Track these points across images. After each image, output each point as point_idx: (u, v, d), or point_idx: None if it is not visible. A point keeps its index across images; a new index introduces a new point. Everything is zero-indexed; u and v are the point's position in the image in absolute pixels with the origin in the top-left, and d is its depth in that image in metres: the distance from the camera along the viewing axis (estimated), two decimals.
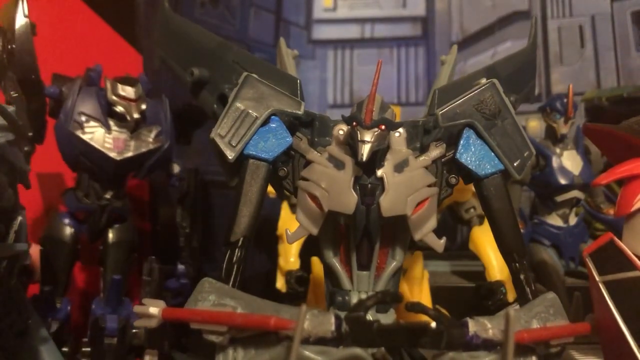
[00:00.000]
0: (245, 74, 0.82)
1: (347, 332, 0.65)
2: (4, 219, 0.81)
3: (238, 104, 0.80)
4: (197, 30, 0.93)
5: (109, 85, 1.25)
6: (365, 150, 0.71)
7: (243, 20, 2.26)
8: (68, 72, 1.34)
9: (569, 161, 1.54)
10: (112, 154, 1.24)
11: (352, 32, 2.50)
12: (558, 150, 1.54)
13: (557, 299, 0.78)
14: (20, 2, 1.10)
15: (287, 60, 1.10)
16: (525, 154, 0.85)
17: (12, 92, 1.12)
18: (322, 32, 2.50)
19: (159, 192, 1.59)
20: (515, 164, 0.84)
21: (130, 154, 1.26)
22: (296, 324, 0.61)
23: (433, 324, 0.65)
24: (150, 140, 1.30)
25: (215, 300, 0.69)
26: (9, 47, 1.08)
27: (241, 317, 0.66)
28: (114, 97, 1.25)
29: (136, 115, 1.25)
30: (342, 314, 0.67)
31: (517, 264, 0.81)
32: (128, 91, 1.26)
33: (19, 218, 0.84)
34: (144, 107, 1.28)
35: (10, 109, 0.83)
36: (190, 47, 0.93)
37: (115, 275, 1.23)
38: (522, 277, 0.81)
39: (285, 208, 1.61)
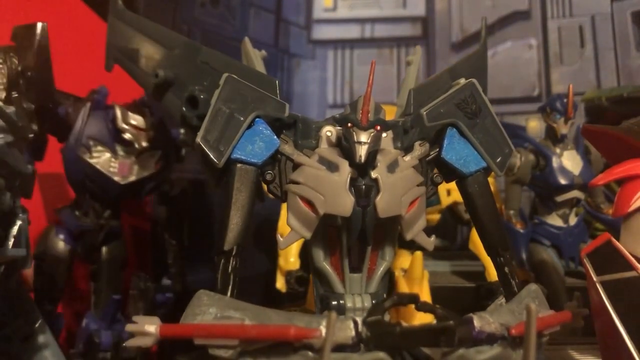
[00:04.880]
0: (226, 74, 0.80)
1: (368, 336, 0.65)
2: (2, 223, 0.80)
3: (222, 107, 0.78)
4: (157, 29, 0.91)
5: (119, 113, 1.27)
6: (362, 152, 0.71)
7: (243, 20, 2.27)
8: (68, 72, 1.34)
9: (569, 161, 1.53)
10: (117, 178, 1.27)
11: (352, 32, 2.50)
12: (558, 151, 1.54)
13: (540, 290, 0.80)
14: (40, 27, 1.09)
15: (256, 60, 1.08)
16: (506, 151, 0.87)
17: (12, 93, 1.11)
18: (322, 32, 2.50)
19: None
20: (497, 161, 0.85)
21: (133, 178, 1.29)
22: (327, 332, 0.60)
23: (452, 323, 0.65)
24: (152, 165, 1.32)
25: (217, 313, 0.67)
26: (28, 73, 1.06)
27: (255, 328, 0.64)
28: (124, 125, 1.26)
29: (144, 144, 1.28)
30: (360, 319, 0.67)
31: (501, 258, 0.83)
32: (139, 120, 1.28)
33: (19, 222, 0.83)
34: (152, 134, 1.30)
35: (10, 109, 0.83)
36: (150, 47, 0.91)
37: (114, 294, 1.28)
38: (506, 270, 0.82)
39: (285, 208, 1.61)
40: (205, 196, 1.78)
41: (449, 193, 1.72)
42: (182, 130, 1.42)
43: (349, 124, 0.72)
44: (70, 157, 1.27)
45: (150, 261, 1.65)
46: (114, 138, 1.28)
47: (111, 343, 1.23)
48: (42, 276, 1.26)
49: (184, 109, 0.82)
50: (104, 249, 1.34)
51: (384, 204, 0.72)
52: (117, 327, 1.25)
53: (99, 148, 1.27)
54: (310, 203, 0.74)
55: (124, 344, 0.68)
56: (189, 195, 1.57)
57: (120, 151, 1.28)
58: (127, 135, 1.26)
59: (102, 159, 1.26)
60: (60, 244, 1.30)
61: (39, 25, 1.10)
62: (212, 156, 0.76)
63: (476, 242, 1.51)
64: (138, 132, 1.27)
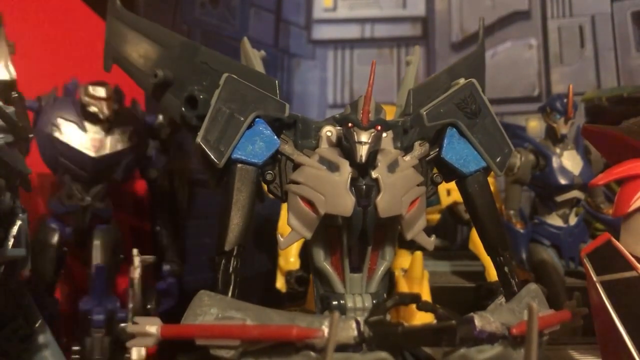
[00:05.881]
0: (226, 74, 0.79)
1: (370, 336, 0.65)
2: (2, 223, 0.80)
3: (222, 107, 0.78)
4: (156, 29, 0.91)
5: (81, 89, 1.32)
6: (363, 152, 0.71)
7: (243, 20, 2.26)
8: (68, 72, 1.35)
9: (569, 161, 1.54)
10: (90, 153, 1.31)
11: (352, 32, 2.50)
12: (558, 151, 1.54)
13: (539, 289, 0.80)
14: None
15: (255, 60, 1.07)
16: (505, 151, 0.87)
17: (12, 93, 1.11)
18: (322, 32, 2.50)
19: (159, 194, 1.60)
20: (497, 161, 0.85)
21: (106, 152, 1.33)
22: (329, 332, 0.60)
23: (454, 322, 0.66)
24: (126, 139, 1.36)
25: (218, 314, 0.67)
26: None
27: (257, 329, 0.64)
28: (87, 98, 1.31)
29: (108, 112, 1.31)
30: (361, 319, 0.67)
31: (501, 258, 0.83)
32: (99, 91, 1.32)
33: (19, 222, 0.83)
34: (115, 106, 1.34)
35: (10, 109, 0.83)
36: (148, 47, 0.90)
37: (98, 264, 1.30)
38: (506, 269, 0.82)
39: (285, 208, 1.61)
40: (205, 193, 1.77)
41: (449, 193, 1.72)
42: (160, 117, 1.46)
43: (350, 124, 0.72)
44: (42, 137, 1.31)
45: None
46: (81, 116, 1.32)
47: (103, 321, 1.23)
48: (35, 262, 1.27)
49: (183, 109, 0.82)
50: (94, 233, 1.36)
51: (384, 204, 0.72)
52: (108, 305, 1.27)
53: (69, 125, 1.31)
54: (310, 203, 0.73)
55: (127, 344, 0.68)
56: (171, 178, 1.60)
57: (89, 126, 1.32)
58: (91, 108, 1.31)
59: (73, 135, 1.31)
60: (49, 229, 1.33)
61: None
62: (212, 156, 0.75)
63: (476, 242, 1.51)
64: (100, 102, 1.31)
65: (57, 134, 1.30)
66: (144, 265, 1.28)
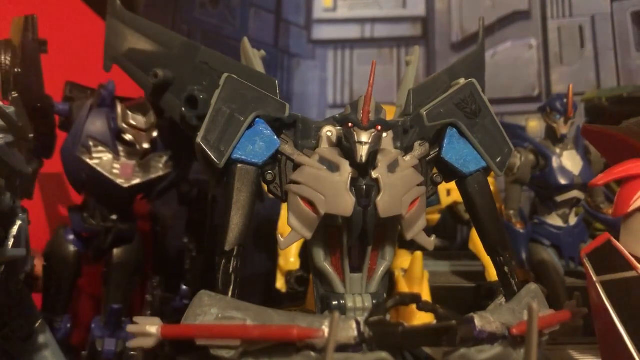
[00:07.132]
0: (226, 74, 0.80)
1: (371, 336, 0.65)
2: (2, 223, 0.80)
3: (222, 107, 0.78)
4: (156, 29, 0.91)
5: (119, 112, 1.22)
6: (364, 152, 0.71)
7: (243, 20, 2.27)
8: (67, 73, 1.34)
9: (569, 161, 1.54)
10: (120, 181, 1.21)
11: (352, 32, 2.50)
12: (558, 151, 1.54)
13: (539, 289, 0.80)
14: (30, 22, 1.07)
15: (255, 60, 1.07)
16: (505, 151, 0.87)
17: (13, 93, 1.11)
18: (322, 32, 2.50)
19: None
20: (497, 161, 0.86)
21: (138, 181, 1.23)
22: (330, 332, 0.60)
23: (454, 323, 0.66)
24: (160, 166, 1.27)
25: (219, 314, 0.67)
26: (16, 70, 1.03)
27: (258, 329, 0.64)
28: (124, 125, 1.21)
29: (146, 146, 1.21)
30: (361, 319, 0.67)
31: (501, 258, 0.83)
32: (139, 121, 1.22)
33: (19, 222, 0.83)
34: (155, 135, 1.24)
35: (10, 109, 0.83)
36: (148, 47, 0.90)
37: (115, 304, 1.22)
38: (506, 269, 0.82)
39: (285, 208, 1.61)
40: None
41: (449, 193, 1.72)
42: None
43: (350, 124, 0.72)
44: (69, 159, 1.22)
45: (151, 262, 1.65)
46: (115, 137, 1.22)
47: (114, 352, 1.18)
48: (50, 277, 1.25)
49: (183, 109, 0.82)
50: (114, 252, 1.29)
51: (384, 204, 0.72)
52: (121, 334, 1.20)
53: (100, 148, 1.20)
54: (311, 203, 0.73)
55: (127, 344, 0.68)
56: (206, 197, 1.52)
57: (122, 152, 1.22)
58: (127, 136, 1.21)
59: (103, 160, 1.20)
60: (67, 245, 1.27)
61: (25, 17, 1.08)
62: (212, 156, 0.75)
63: (476, 242, 1.51)
64: (138, 133, 1.21)
65: (85, 157, 1.19)
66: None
